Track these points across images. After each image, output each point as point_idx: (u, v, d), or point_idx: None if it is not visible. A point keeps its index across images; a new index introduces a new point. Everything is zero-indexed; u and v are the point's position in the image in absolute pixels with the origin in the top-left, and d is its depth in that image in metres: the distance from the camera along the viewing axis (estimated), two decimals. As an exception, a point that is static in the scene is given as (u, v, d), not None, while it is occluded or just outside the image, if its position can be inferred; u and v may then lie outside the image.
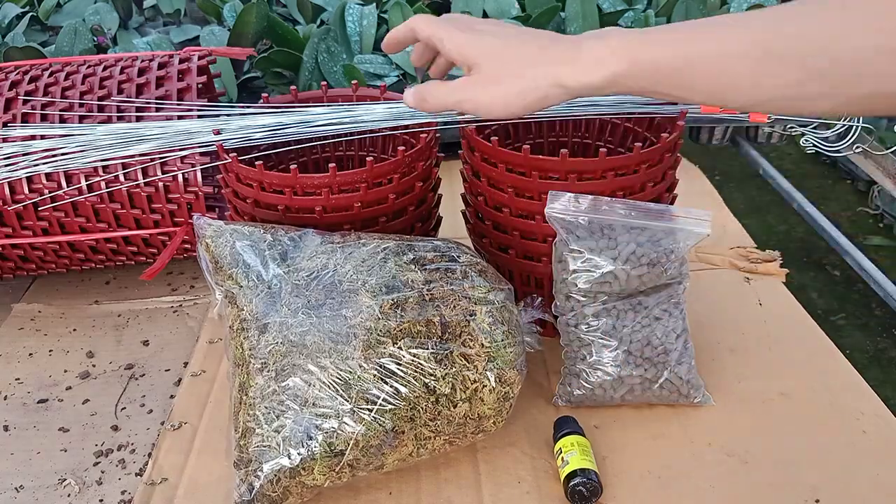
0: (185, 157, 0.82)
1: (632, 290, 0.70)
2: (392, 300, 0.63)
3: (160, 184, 0.84)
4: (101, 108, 0.85)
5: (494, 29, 0.58)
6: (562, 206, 0.69)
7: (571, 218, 0.69)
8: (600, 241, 0.69)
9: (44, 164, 0.81)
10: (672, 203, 0.80)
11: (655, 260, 0.69)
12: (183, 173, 0.84)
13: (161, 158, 0.82)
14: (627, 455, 0.70)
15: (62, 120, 0.84)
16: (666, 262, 0.69)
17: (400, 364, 0.61)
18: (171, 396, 0.80)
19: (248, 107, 0.82)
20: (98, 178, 0.83)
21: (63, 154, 0.81)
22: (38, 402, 0.81)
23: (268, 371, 0.62)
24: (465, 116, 0.74)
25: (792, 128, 0.78)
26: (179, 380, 0.82)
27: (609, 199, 0.69)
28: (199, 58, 0.91)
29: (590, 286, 0.69)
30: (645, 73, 0.50)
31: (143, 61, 0.91)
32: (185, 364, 0.85)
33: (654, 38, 0.50)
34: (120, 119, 0.84)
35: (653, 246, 0.69)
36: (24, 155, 0.82)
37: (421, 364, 0.61)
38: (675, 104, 0.78)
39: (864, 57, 0.43)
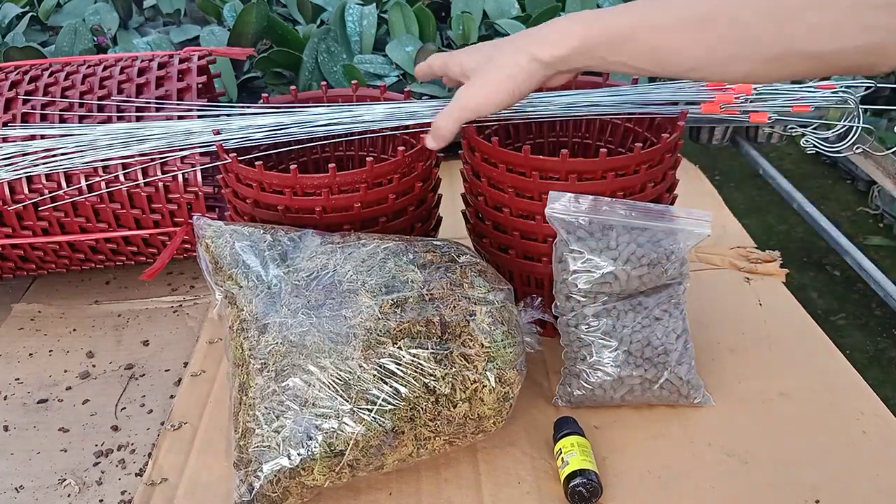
0: (185, 157, 0.82)
1: (632, 291, 0.70)
2: (392, 300, 0.63)
3: (160, 184, 0.84)
4: (101, 108, 0.85)
5: (487, 42, 0.68)
6: (562, 206, 0.69)
7: (572, 218, 0.69)
8: (600, 242, 0.69)
9: (43, 164, 0.81)
10: (672, 203, 0.80)
11: (656, 260, 0.69)
12: (183, 173, 0.84)
13: (161, 158, 0.82)
14: (627, 455, 0.70)
15: (62, 120, 0.84)
16: (666, 262, 0.69)
17: (400, 364, 0.61)
18: (171, 396, 0.80)
19: (248, 107, 0.82)
20: (98, 178, 0.83)
21: (63, 154, 0.81)
22: (38, 402, 0.81)
23: (268, 371, 0.62)
24: None
25: (792, 128, 0.78)
26: (179, 380, 0.82)
27: (609, 199, 0.69)
28: (199, 58, 0.91)
29: (590, 286, 0.69)
30: (600, 43, 0.58)
31: (143, 61, 0.91)
32: (185, 364, 0.85)
33: (608, 12, 0.58)
34: (120, 119, 0.84)
35: (653, 246, 0.69)
36: (24, 155, 0.81)
37: (421, 364, 0.61)
38: (676, 104, 0.78)
39: (770, 18, 0.50)
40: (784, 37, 0.50)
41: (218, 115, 0.82)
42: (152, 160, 0.82)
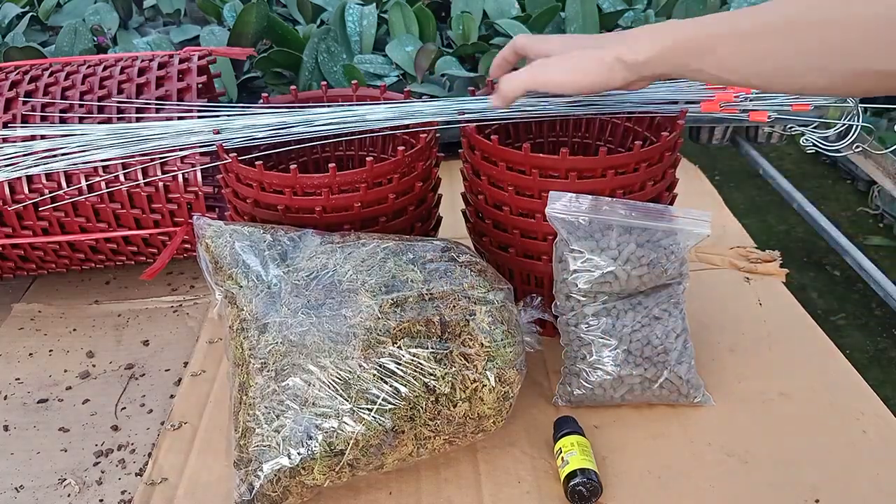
0: (185, 157, 0.82)
1: (632, 291, 0.70)
2: (392, 300, 0.63)
3: (160, 184, 0.84)
4: (100, 109, 0.85)
5: (580, 35, 0.71)
6: (563, 206, 0.69)
7: (572, 218, 0.69)
8: (601, 242, 0.69)
9: (44, 164, 0.81)
10: (672, 202, 0.80)
11: (656, 260, 0.69)
12: (183, 173, 0.84)
13: (161, 158, 0.82)
14: (627, 455, 0.70)
15: (62, 120, 0.84)
16: (666, 262, 0.69)
17: (400, 364, 0.61)
18: (171, 396, 0.80)
19: (249, 107, 0.82)
20: (98, 178, 0.83)
21: (63, 154, 0.81)
22: (38, 402, 0.81)
23: (268, 371, 0.62)
24: (465, 115, 0.75)
25: (791, 127, 0.78)
26: (179, 380, 0.82)
27: (609, 199, 0.69)
28: (199, 58, 0.91)
29: (590, 286, 0.69)
30: (682, 51, 0.59)
31: (143, 61, 0.91)
32: (185, 364, 0.85)
33: (694, 22, 0.60)
34: (120, 119, 0.84)
35: (653, 246, 0.69)
36: (24, 155, 0.81)
37: (421, 364, 0.61)
38: (675, 102, 0.78)
39: (849, 36, 0.51)
40: (862, 54, 0.51)
41: (218, 116, 0.82)
42: (152, 160, 0.82)
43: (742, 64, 0.57)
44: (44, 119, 0.84)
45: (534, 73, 0.66)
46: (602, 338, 0.70)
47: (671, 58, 0.60)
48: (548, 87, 0.66)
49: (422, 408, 0.61)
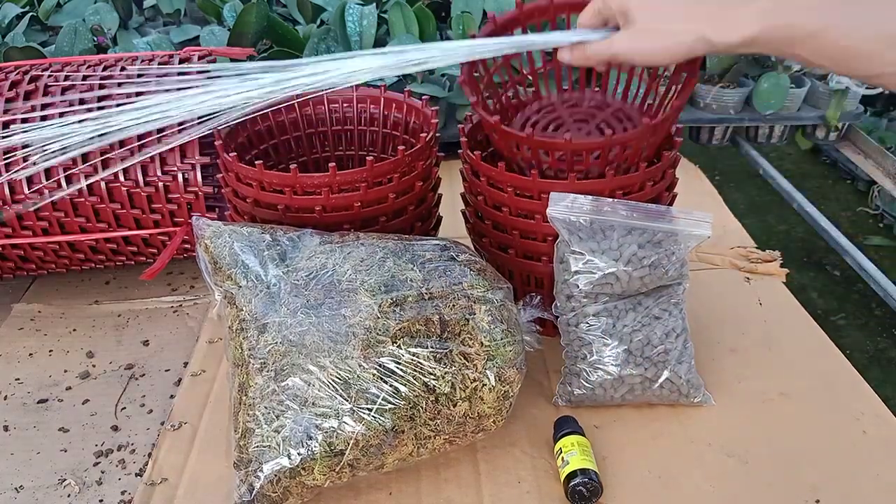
0: (185, 155, 0.82)
1: (633, 292, 0.70)
2: (391, 299, 0.63)
3: (160, 184, 0.84)
4: (100, 109, 0.85)
5: None
6: (564, 206, 0.69)
7: (573, 219, 0.69)
8: (602, 243, 0.69)
9: (43, 161, 0.80)
10: (672, 202, 0.80)
11: (657, 262, 0.69)
12: (183, 173, 0.84)
13: (159, 141, 0.80)
14: (628, 455, 0.70)
15: (61, 116, 0.84)
16: (667, 263, 0.69)
17: (399, 363, 0.61)
18: (171, 396, 0.80)
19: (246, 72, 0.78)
20: (98, 178, 0.83)
21: (62, 149, 0.80)
22: (38, 402, 0.81)
23: (267, 371, 0.62)
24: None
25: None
26: (179, 380, 0.82)
27: (610, 200, 0.69)
28: (199, 58, 0.91)
29: (591, 287, 0.69)
30: (780, 37, 0.56)
31: (143, 61, 0.91)
32: (185, 364, 0.85)
33: (793, 5, 0.56)
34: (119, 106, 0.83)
35: (654, 247, 0.69)
36: (23, 158, 0.81)
37: (420, 363, 0.61)
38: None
39: None
40: None
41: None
42: (161, 137, 0.80)
43: (848, 60, 0.55)
44: (44, 119, 0.84)
45: (618, 51, 0.64)
46: (602, 338, 0.70)
47: (762, 43, 0.57)
48: (631, 63, 0.66)
49: (422, 407, 0.61)
